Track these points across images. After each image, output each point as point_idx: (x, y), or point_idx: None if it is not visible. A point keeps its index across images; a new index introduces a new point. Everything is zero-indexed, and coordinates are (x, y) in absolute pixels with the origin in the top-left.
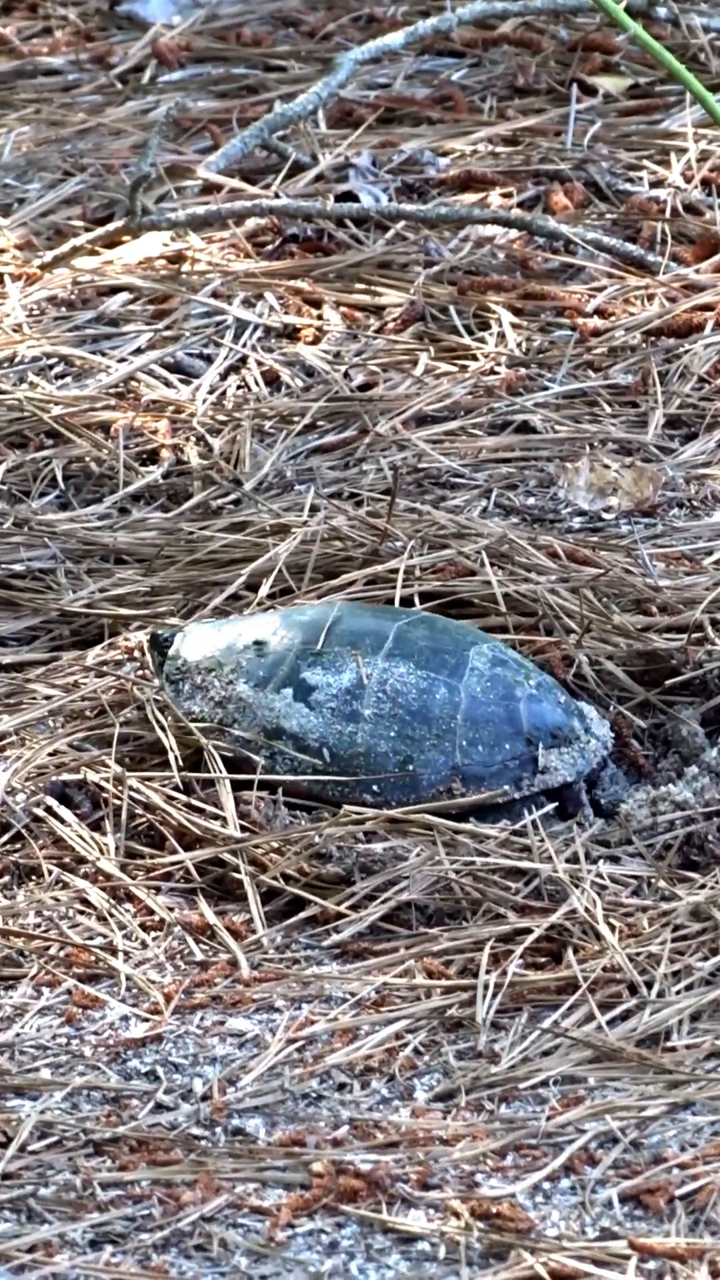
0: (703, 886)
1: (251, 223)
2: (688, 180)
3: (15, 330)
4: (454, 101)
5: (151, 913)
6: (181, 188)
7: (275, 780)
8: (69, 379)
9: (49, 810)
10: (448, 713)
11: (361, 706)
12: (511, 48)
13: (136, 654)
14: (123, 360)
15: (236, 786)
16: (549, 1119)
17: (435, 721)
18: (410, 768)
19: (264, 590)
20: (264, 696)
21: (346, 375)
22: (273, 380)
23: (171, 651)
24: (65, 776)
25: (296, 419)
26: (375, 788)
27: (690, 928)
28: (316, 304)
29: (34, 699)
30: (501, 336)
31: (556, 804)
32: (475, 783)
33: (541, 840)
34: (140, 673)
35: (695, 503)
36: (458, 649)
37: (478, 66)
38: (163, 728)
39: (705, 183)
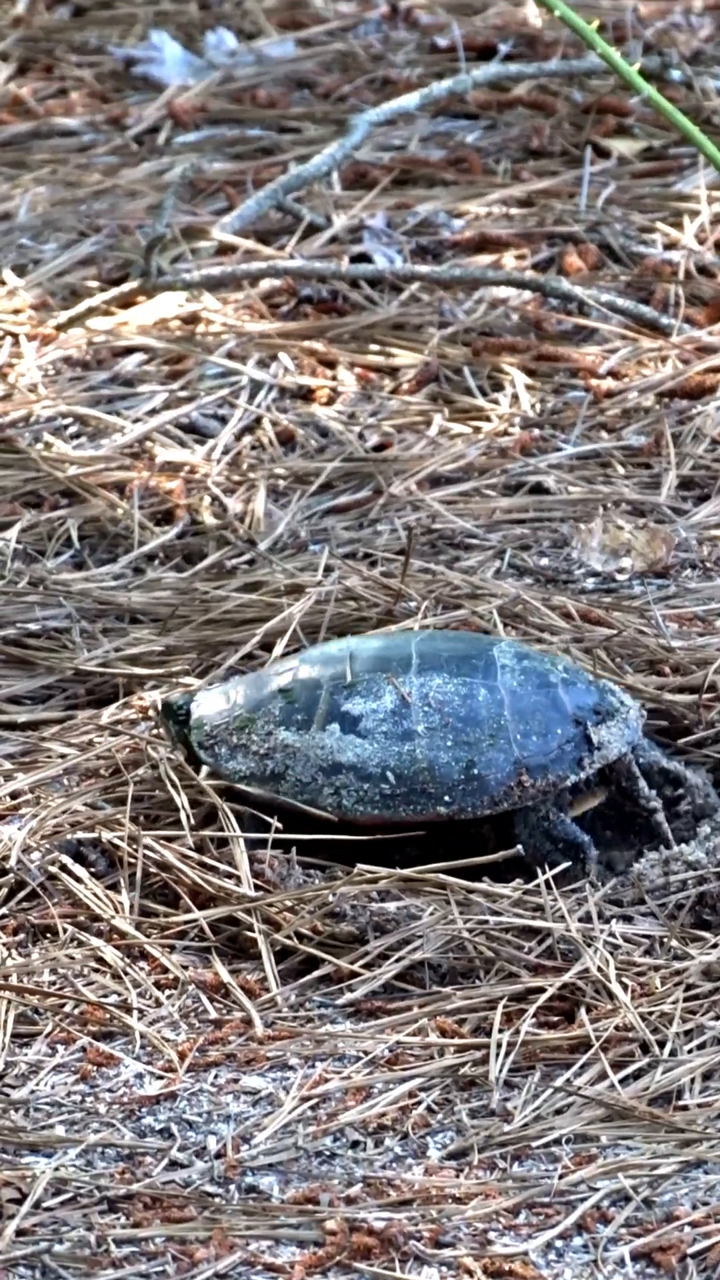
0: (715, 946)
1: (266, 284)
2: (701, 242)
3: (31, 390)
4: (468, 163)
5: (166, 971)
6: (196, 248)
7: (345, 819)
8: (84, 439)
9: (64, 868)
10: (495, 711)
11: (412, 724)
12: (525, 110)
13: (151, 714)
14: (138, 420)
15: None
16: (561, 1177)
17: (486, 722)
18: (475, 771)
19: (278, 650)
20: (311, 737)
21: (361, 436)
22: (287, 440)
23: (193, 722)
24: (80, 835)
25: (311, 479)
26: (447, 798)
27: (702, 987)
28: (331, 365)
29: (49, 757)
30: (515, 398)
31: (611, 785)
32: (539, 772)
33: (554, 899)
34: (155, 732)
35: (708, 564)
36: (481, 652)
37: (492, 129)
38: (175, 787)
39: (718, 245)
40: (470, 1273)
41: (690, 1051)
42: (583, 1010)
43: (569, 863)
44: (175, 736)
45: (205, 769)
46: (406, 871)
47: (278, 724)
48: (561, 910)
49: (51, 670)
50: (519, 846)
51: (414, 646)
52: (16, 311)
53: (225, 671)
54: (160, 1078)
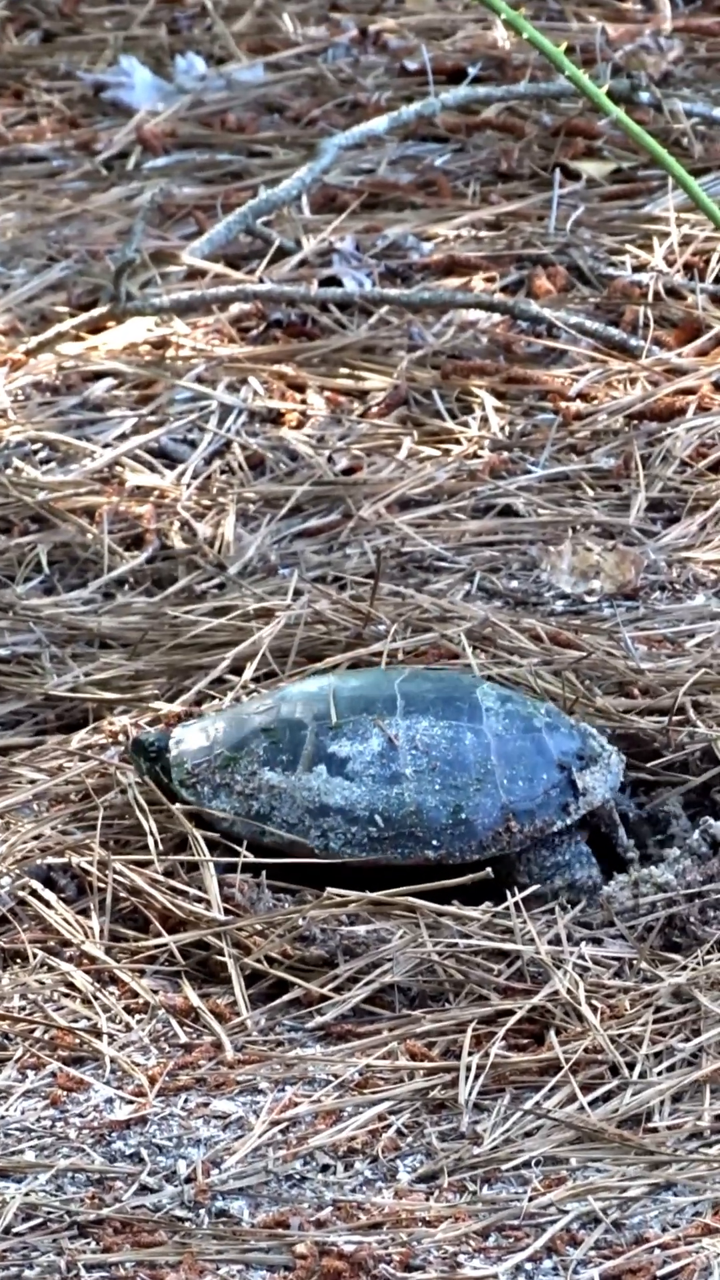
0: (684, 968)
1: (236, 308)
2: (670, 264)
3: (0, 415)
4: (437, 186)
5: (136, 995)
6: (166, 273)
7: (328, 860)
8: (54, 464)
9: (33, 893)
10: (481, 755)
11: (400, 767)
12: (495, 133)
13: (122, 746)
14: (107, 445)
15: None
16: (531, 1200)
17: (473, 766)
18: (463, 816)
19: (248, 674)
20: (297, 779)
21: (330, 459)
22: (257, 465)
23: (173, 759)
24: (50, 860)
25: (280, 503)
26: (435, 843)
27: (672, 1009)
28: (300, 388)
29: (18, 783)
30: (484, 420)
31: (591, 830)
32: (526, 818)
33: (524, 922)
34: (124, 758)
35: (677, 586)
36: (465, 694)
37: (461, 151)
38: (145, 812)
39: (687, 267)
40: None
41: (660, 1073)
42: (552, 1033)
43: (584, 894)
44: (146, 772)
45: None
46: (376, 895)
47: (262, 764)
48: (531, 933)
49: (21, 696)
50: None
51: (397, 687)
52: None
53: (194, 696)
54: (130, 1102)
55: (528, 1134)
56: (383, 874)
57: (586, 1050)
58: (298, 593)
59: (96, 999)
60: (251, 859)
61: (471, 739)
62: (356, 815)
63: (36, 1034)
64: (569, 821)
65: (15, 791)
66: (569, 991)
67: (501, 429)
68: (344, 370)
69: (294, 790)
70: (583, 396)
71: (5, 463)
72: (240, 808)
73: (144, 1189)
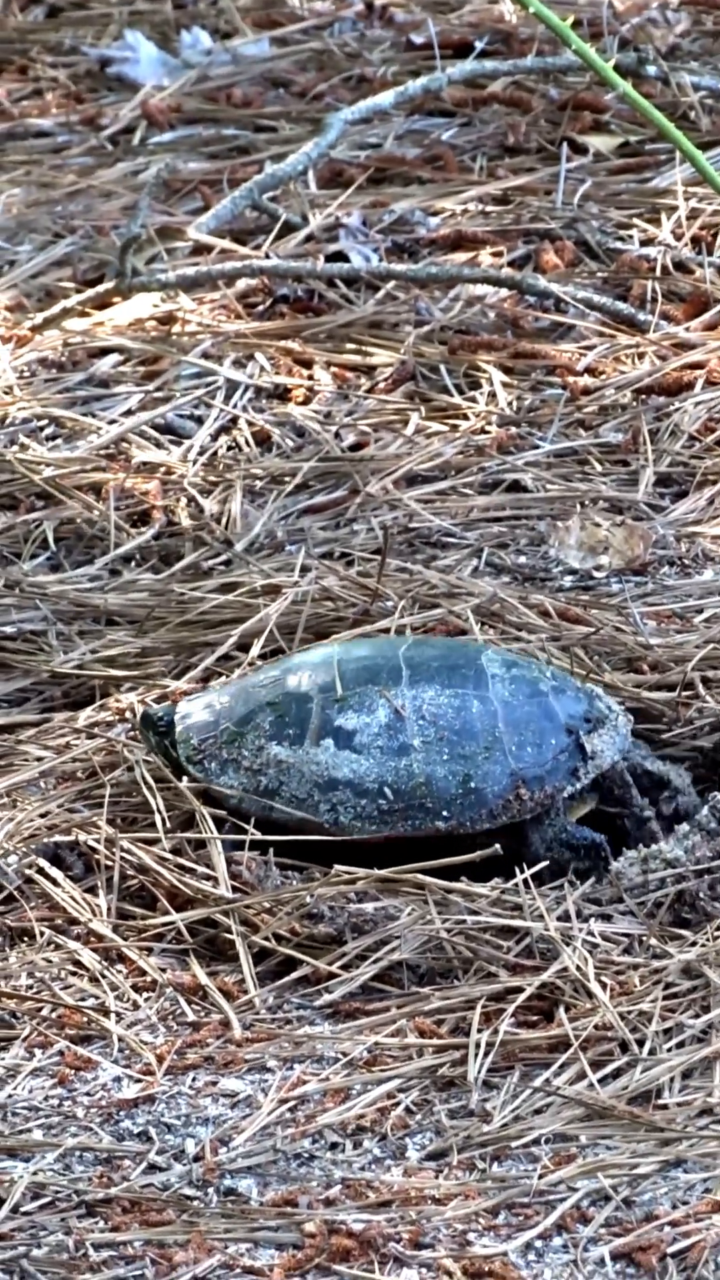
0: (694, 944)
1: (242, 283)
2: (678, 238)
3: (6, 392)
4: (444, 161)
5: (144, 974)
6: (172, 249)
7: (342, 839)
8: (60, 440)
9: (41, 871)
10: (489, 723)
11: (408, 738)
12: (501, 107)
13: (129, 720)
14: (113, 422)
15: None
16: (541, 1177)
17: (480, 734)
18: (472, 785)
19: (255, 650)
20: (305, 753)
21: (337, 435)
22: (263, 441)
23: (179, 735)
24: (57, 838)
25: (287, 479)
26: (445, 813)
27: (681, 985)
28: (307, 364)
29: (25, 760)
30: (492, 395)
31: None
32: (536, 784)
33: (533, 899)
34: (131, 735)
35: (686, 561)
36: (469, 661)
37: (468, 126)
38: (152, 789)
39: (695, 241)
40: (450, 1274)
41: (669, 1050)
42: (561, 1009)
43: (591, 864)
44: (155, 747)
45: (186, 779)
46: (384, 872)
47: (269, 738)
48: (540, 909)
49: (28, 673)
50: (539, 860)
51: (401, 656)
52: None
53: (201, 673)
54: (138, 1081)
55: (537, 1111)
56: (392, 848)
57: (596, 1027)
58: (305, 569)
59: (104, 977)
60: (259, 836)
61: (478, 706)
62: (366, 788)
63: (44, 1012)
64: (579, 786)
65: (22, 769)
66: (578, 968)
67: (509, 404)
68: (351, 346)
69: (302, 765)
70: (590, 371)
71: (11, 439)
72: (248, 783)
73: (152, 1168)
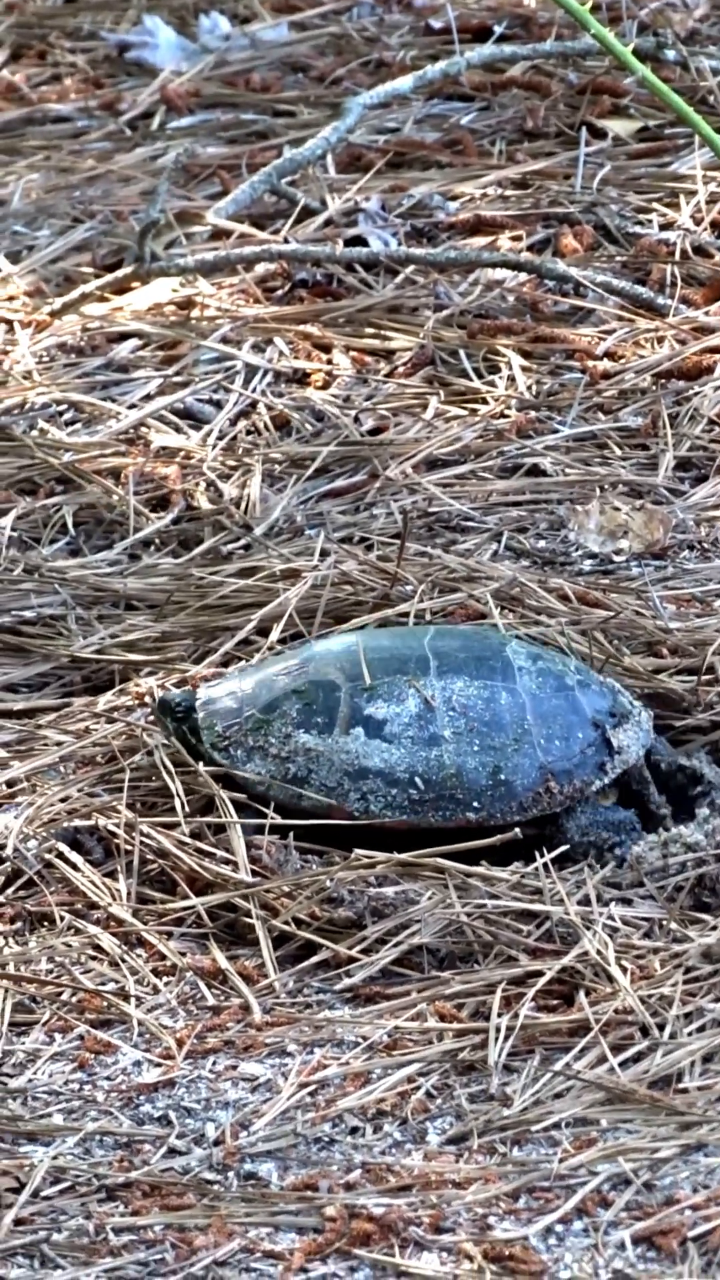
0: (714, 928)
1: (261, 268)
2: (697, 223)
3: (25, 377)
4: (463, 145)
5: (163, 958)
6: (191, 233)
7: (367, 823)
8: (79, 425)
9: (60, 856)
10: (518, 716)
11: (439, 729)
12: (520, 91)
13: (147, 704)
14: (132, 406)
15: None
16: (561, 1161)
17: (509, 727)
18: (502, 777)
19: (274, 635)
20: (334, 741)
21: (356, 419)
22: (282, 425)
23: (202, 721)
24: (77, 822)
25: (306, 463)
26: (475, 804)
27: (702, 969)
28: (326, 348)
29: (45, 745)
30: (511, 380)
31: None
32: (565, 777)
33: (553, 883)
34: (150, 719)
35: (706, 545)
36: (495, 652)
37: (487, 110)
38: (171, 773)
39: (714, 225)
40: (470, 1258)
41: (690, 1034)
42: (582, 993)
43: (629, 842)
44: (173, 733)
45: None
46: (404, 856)
47: (296, 726)
48: (560, 893)
49: (47, 658)
50: (576, 846)
51: (427, 646)
52: (11, 298)
53: (221, 657)
54: (158, 1065)
55: (557, 1095)
56: (414, 835)
57: (616, 1011)
58: (324, 553)
59: (124, 961)
60: (279, 820)
61: (507, 698)
62: (396, 778)
63: (64, 997)
64: (605, 781)
65: (42, 754)
66: (598, 952)
67: (528, 388)
68: (370, 330)
69: (332, 753)
70: (610, 355)
71: (31, 424)
72: (276, 771)
73: (172, 1152)
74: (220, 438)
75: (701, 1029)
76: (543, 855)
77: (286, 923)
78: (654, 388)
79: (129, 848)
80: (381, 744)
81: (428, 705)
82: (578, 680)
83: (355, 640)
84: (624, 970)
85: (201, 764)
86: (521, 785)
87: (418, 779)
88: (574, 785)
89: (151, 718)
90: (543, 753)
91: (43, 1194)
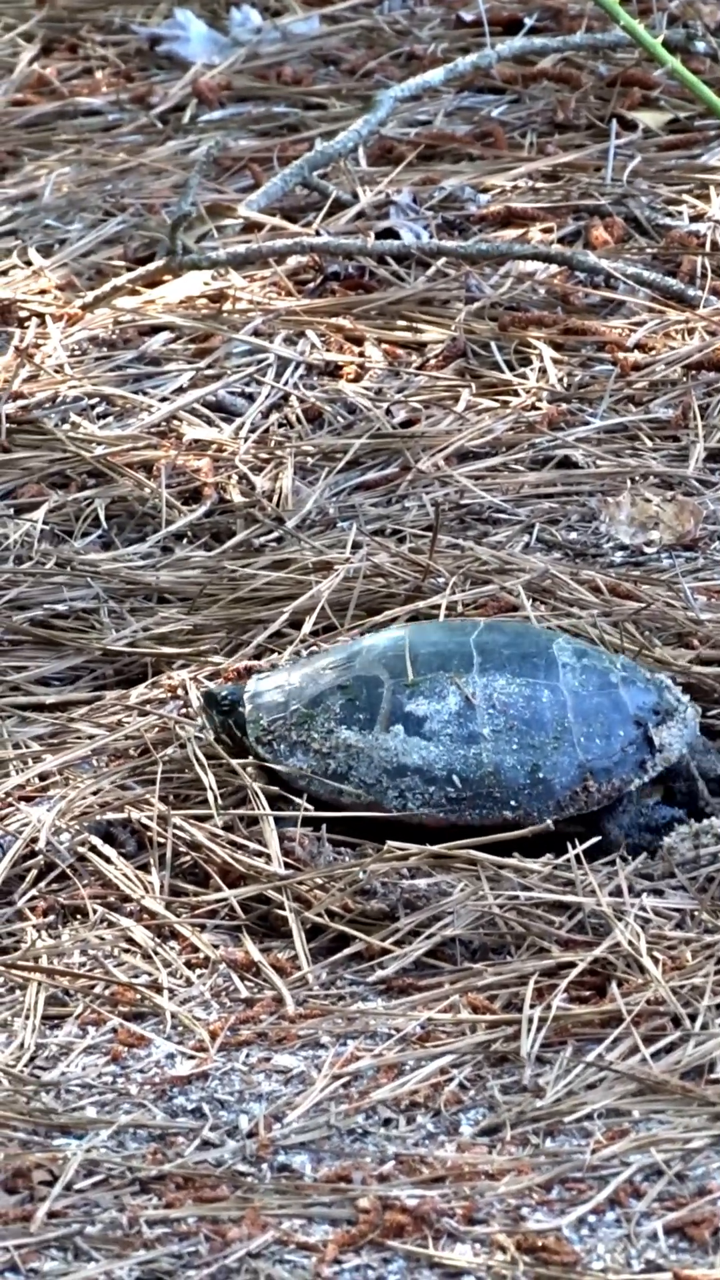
0: None
1: (293, 261)
2: None
3: (57, 370)
4: (494, 138)
5: (196, 950)
6: (222, 226)
7: (406, 817)
8: (111, 419)
9: (93, 849)
10: (558, 714)
11: (478, 726)
12: (551, 83)
13: (183, 697)
14: (164, 399)
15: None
16: (594, 1152)
17: (550, 725)
18: (540, 775)
19: (307, 627)
20: (374, 738)
21: (388, 412)
22: (315, 418)
23: (248, 715)
24: (109, 815)
25: (338, 456)
26: (513, 803)
27: None
28: (358, 341)
29: (77, 738)
30: (543, 372)
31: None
32: (604, 775)
33: (585, 874)
34: (183, 712)
35: None
36: (541, 650)
37: (517, 103)
38: (203, 766)
39: None
40: (503, 1249)
41: None
42: (614, 985)
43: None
44: (219, 727)
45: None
46: (436, 848)
47: (339, 722)
48: (592, 885)
49: (80, 651)
50: (618, 846)
51: (473, 642)
52: (43, 292)
53: (254, 650)
54: (191, 1057)
55: (590, 1086)
56: (451, 834)
57: (648, 1002)
58: (356, 546)
59: (157, 954)
60: (313, 812)
61: (548, 696)
62: (434, 775)
63: (97, 990)
64: (646, 779)
65: (74, 747)
66: (630, 943)
67: (560, 380)
68: (401, 322)
69: (371, 750)
70: (641, 347)
71: (63, 418)
72: (317, 766)
73: (205, 1144)
74: (252, 430)
75: None
76: (574, 847)
77: (319, 915)
78: (685, 379)
79: (161, 840)
80: (421, 741)
81: (468, 703)
82: (622, 677)
83: (403, 635)
84: (656, 961)
85: (249, 758)
86: (560, 784)
87: (455, 776)
88: (613, 784)
89: (185, 709)
90: (582, 751)
91: (76, 1187)
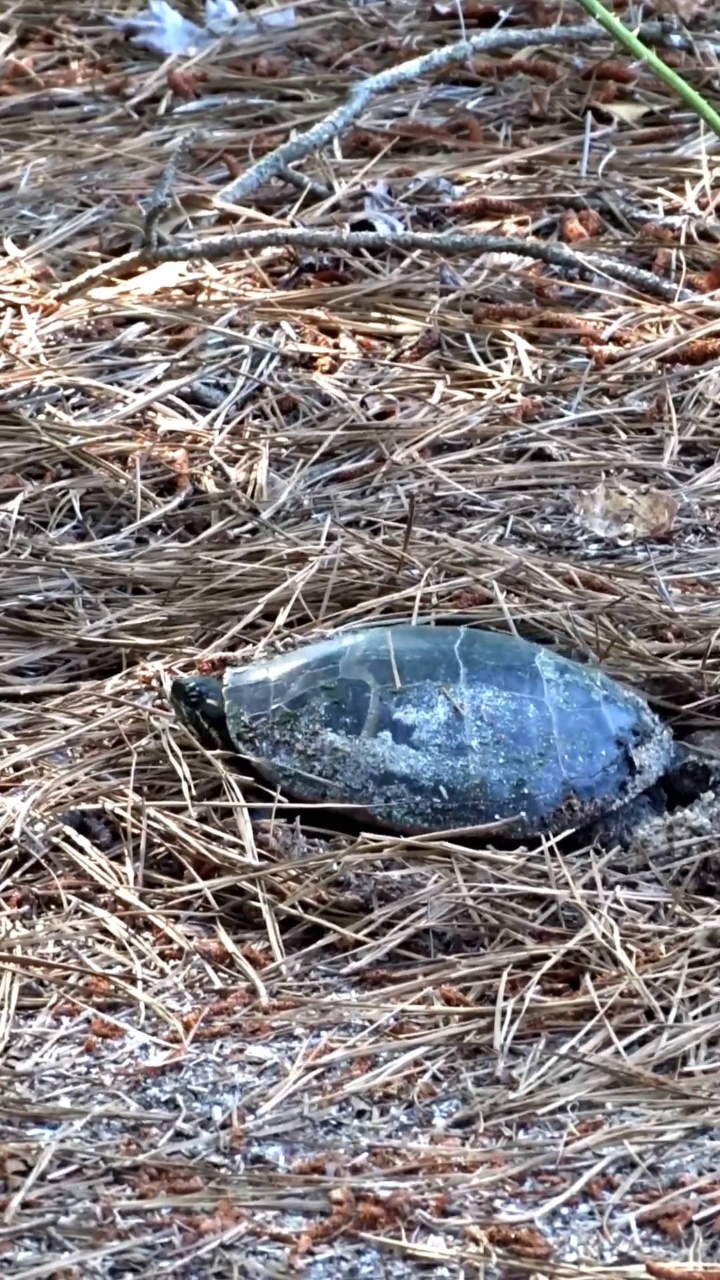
0: (719, 911)
1: (268, 252)
2: (702, 207)
3: (32, 361)
4: (469, 130)
5: (170, 941)
6: (197, 218)
7: (388, 825)
8: (86, 409)
9: (67, 839)
10: (544, 730)
11: (466, 738)
12: (526, 76)
13: (155, 687)
14: (139, 390)
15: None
16: (567, 1144)
17: (535, 740)
18: (525, 790)
19: (281, 619)
20: (361, 743)
21: (363, 404)
22: (289, 409)
23: (228, 710)
24: (84, 806)
25: (313, 448)
26: (497, 816)
27: (707, 953)
28: (333, 333)
29: (52, 729)
30: (517, 364)
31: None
32: (586, 795)
33: (558, 866)
34: (158, 703)
35: (711, 529)
36: (524, 663)
37: (493, 95)
38: (178, 757)
39: (719, 209)
40: (476, 1241)
41: (695, 1017)
42: (587, 977)
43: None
44: (186, 718)
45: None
46: (410, 839)
47: (324, 724)
48: (565, 877)
49: (54, 641)
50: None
51: (458, 652)
52: (18, 282)
53: (228, 641)
54: (165, 1049)
55: (563, 1079)
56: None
57: (622, 994)
58: (331, 537)
59: (131, 945)
60: (287, 804)
61: (534, 711)
62: (422, 785)
63: (71, 980)
64: (626, 800)
65: (49, 737)
66: (604, 936)
67: (534, 373)
68: (376, 314)
69: (358, 754)
70: (615, 340)
71: (38, 408)
72: (302, 767)
73: (179, 1135)
74: (227, 422)
75: (707, 1012)
76: (548, 839)
77: (293, 906)
78: (659, 372)
79: (136, 831)
80: (409, 749)
81: (457, 714)
82: (604, 695)
83: (386, 638)
84: (629, 954)
85: (211, 750)
86: (544, 800)
87: (443, 787)
88: (595, 803)
89: (160, 700)
90: (566, 768)
91: (50, 1177)
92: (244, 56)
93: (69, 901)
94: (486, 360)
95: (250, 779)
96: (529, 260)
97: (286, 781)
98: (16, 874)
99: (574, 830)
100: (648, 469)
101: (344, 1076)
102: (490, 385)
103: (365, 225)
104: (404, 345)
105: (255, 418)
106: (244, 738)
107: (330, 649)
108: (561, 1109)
